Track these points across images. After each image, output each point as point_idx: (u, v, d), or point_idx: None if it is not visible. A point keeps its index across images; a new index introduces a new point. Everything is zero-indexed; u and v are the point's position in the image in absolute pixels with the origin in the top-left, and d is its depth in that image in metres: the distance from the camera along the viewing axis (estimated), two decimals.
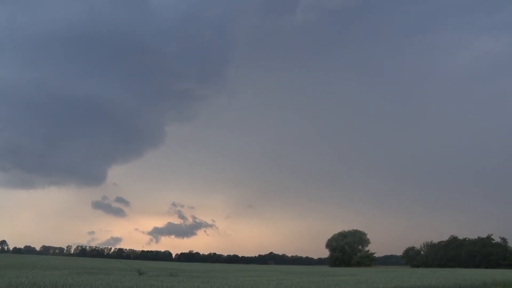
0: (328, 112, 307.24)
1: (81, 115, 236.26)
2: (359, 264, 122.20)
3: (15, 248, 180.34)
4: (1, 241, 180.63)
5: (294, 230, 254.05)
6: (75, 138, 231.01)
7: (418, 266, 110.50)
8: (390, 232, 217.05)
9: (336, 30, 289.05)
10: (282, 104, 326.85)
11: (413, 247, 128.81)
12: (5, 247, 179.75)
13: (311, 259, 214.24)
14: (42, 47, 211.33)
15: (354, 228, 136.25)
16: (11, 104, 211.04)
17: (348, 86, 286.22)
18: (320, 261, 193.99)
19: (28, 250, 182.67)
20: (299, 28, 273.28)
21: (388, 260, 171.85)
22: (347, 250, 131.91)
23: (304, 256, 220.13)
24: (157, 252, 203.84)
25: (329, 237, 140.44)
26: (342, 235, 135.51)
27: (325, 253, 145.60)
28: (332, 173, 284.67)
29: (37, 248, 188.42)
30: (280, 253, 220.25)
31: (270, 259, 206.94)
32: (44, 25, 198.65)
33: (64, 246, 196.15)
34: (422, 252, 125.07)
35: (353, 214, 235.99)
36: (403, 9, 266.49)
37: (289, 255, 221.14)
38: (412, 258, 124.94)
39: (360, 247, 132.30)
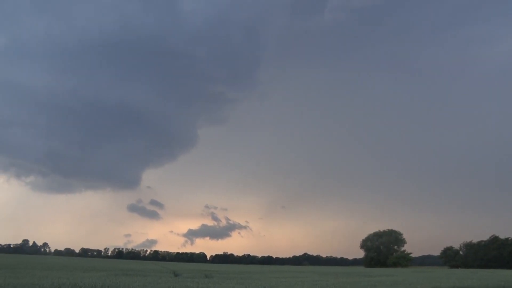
0: (359, 111, 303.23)
1: (115, 121, 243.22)
2: (395, 264, 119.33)
3: (56, 250, 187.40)
4: (43, 243, 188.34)
5: (328, 230, 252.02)
6: (110, 143, 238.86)
7: (457, 267, 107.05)
8: (426, 232, 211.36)
9: (366, 28, 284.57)
10: (312, 104, 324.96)
11: (451, 247, 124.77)
12: (47, 249, 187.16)
13: (346, 259, 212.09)
14: (77, 56, 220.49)
15: (389, 228, 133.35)
16: (48, 111, 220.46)
17: (379, 85, 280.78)
18: (355, 262, 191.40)
19: (68, 252, 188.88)
20: (328, 28, 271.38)
21: (425, 261, 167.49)
22: (382, 250, 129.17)
23: (338, 256, 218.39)
24: (192, 254, 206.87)
25: (364, 237, 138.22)
26: (377, 235, 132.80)
27: (360, 254, 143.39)
28: (365, 172, 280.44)
29: (77, 250, 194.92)
30: (315, 254, 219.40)
31: (305, 260, 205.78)
32: (79, 34, 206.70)
33: (102, 249, 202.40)
34: (461, 252, 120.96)
35: (387, 214, 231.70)
36: (433, 3, 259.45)
37: (324, 255, 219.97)
38: (451, 258, 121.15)
39: (395, 247, 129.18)
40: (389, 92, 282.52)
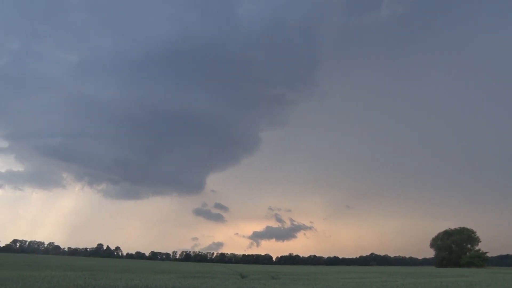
0: (423, 106, 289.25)
1: (179, 128, 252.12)
2: (469, 264, 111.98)
3: (128, 254, 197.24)
4: (115, 247, 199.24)
5: (395, 229, 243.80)
6: (175, 150, 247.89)
7: None
8: (504, 230, 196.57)
9: (425, 20, 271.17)
10: (374, 101, 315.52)
11: None
12: (119, 253, 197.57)
13: (415, 259, 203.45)
14: (141, 68, 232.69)
15: (461, 226, 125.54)
16: (116, 122, 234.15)
17: (441, 78, 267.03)
18: (425, 261, 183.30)
19: (139, 255, 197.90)
20: (385, 24, 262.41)
21: (504, 261, 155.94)
22: (454, 249, 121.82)
23: (407, 256, 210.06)
24: (258, 256, 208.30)
25: (433, 236, 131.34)
26: (448, 234, 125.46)
27: (430, 253, 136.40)
28: (433, 169, 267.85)
29: (147, 254, 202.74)
30: (382, 254, 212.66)
31: (372, 260, 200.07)
32: (142, 47, 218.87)
33: (170, 252, 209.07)
34: None
35: (458, 211, 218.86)
36: None
37: (392, 255, 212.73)
38: None
39: (469, 246, 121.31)
40: (455, 85, 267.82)
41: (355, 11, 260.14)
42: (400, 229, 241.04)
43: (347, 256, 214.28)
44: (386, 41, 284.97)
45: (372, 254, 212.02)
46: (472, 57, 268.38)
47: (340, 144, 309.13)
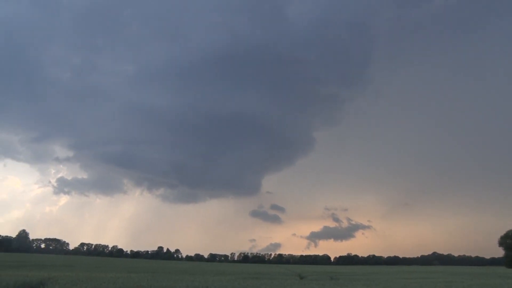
0: (484, 98, 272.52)
1: (233, 131, 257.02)
2: None
3: (187, 256, 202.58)
4: (175, 250, 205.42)
5: (459, 227, 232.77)
6: (230, 153, 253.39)
7: None
8: None
9: (482, 6, 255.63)
10: (430, 95, 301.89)
11: None
12: (179, 255, 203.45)
13: (482, 259, 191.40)
14: (194, 74, 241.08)
15: None
16: (172, 128, 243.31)
17: (502, 67, 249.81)
18: (493, 261, 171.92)
19: (198, 257, 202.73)
20: (439, 15, 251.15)
21: None
22: None
23: (473, 255, 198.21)
24: (316, 256, 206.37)
25: (502, 234, 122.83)
26: None
27: (499, 252, 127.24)
28: (498, 163, 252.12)
29: (205, 256, 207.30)
30: (445, 253, 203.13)
31: (434, 259, 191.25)
32: (194, 53, 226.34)
33: (228, 253, 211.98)
34: None
35: None
36: None
37: (456, 254, 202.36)
38: None
39: None
40: None
41: (406, 3, 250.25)
42: (464, 227, 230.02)
43: (407, 256, 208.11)
44: (441, 33, 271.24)
45: (434, 253, 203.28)
46: None
47: (396, 140, 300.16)
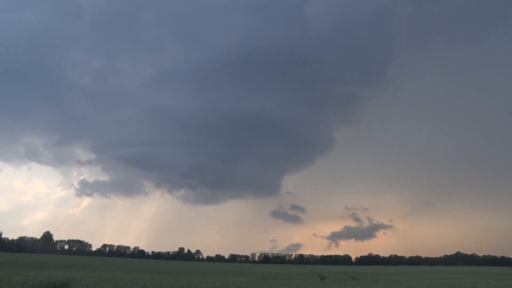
0: (507, 96, 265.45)
1: (252, 131, 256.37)
2: None
3: (208, 257, 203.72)
4: (196, 250, 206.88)
5: (483, 226, 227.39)
6: (249, 153, 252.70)
7: None
8: None
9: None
10: (452, 92, 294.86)
11: None
12: (200, 256, 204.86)
13: (509, 259, 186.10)
14: (213, 75, 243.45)
15: None
16: (191, 129, 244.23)
17: None
18: None
19: (219, 258, 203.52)
20: (458, 10, 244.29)
21: None
22: None
23: (499, 255, 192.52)
24: (337, 256, 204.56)
25: None
26: None
27: None
28: None
29: (226, 257, 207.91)
30: (469, 253, 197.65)
31: (458, 259, 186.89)
32: (212, 55, 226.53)
33: (249, 254, 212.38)
34: None
35: None
36: None
37: (480, 254, 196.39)
38: None
39: None
40: None
41: (425, 0, 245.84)
42: (489, 226, 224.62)
43: (430, 256, 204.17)
44: (461, 29, 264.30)
45: (458, 253, 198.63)
46: None
47: (417, 139, 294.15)
